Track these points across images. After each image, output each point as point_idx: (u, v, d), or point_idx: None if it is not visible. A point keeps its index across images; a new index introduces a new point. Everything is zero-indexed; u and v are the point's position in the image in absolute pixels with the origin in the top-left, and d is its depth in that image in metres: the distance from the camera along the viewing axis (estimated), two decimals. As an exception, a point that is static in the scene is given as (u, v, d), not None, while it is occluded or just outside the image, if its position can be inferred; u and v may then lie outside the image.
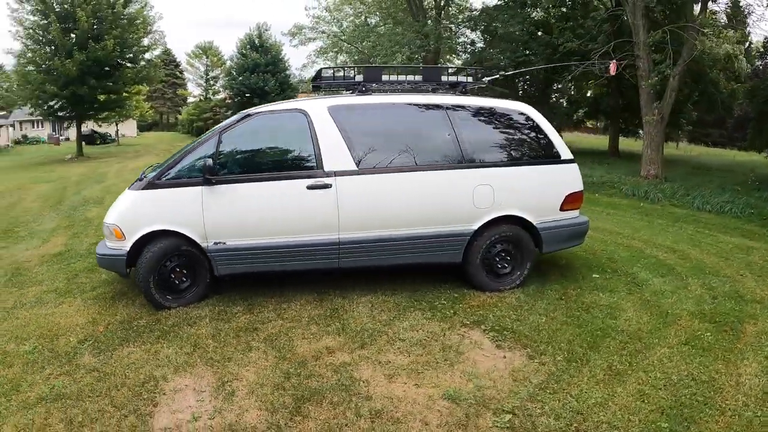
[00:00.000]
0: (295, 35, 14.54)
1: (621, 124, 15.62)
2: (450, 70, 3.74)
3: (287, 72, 25.32)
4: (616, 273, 3.90)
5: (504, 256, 3.49)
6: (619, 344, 2.59)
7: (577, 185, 3.61)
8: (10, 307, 3.12)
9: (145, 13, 18.87)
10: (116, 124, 28.70)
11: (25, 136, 33.32)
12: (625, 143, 18.69)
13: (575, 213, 3.67)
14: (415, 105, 3.42)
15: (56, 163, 15.69)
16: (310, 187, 3.15)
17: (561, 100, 17.27)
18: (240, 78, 26.59)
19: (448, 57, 16.01)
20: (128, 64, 18.28)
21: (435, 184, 3.28)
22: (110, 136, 30.68)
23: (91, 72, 16.54)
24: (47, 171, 12.88)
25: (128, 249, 3.08)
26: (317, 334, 2.74)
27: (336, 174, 3.17)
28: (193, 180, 3.08)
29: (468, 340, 2.68)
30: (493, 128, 3.54)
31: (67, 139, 34.38)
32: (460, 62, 16.35)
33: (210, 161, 3.05)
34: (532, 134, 3.55)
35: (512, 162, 3.44)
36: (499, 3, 13.36)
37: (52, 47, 16.20)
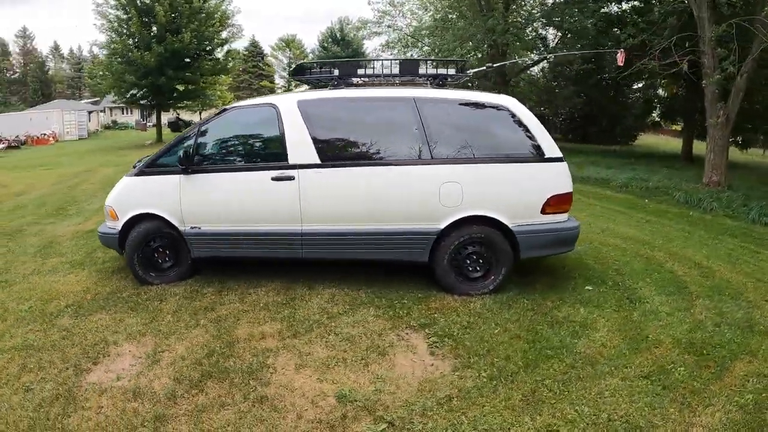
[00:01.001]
0: (360, 30, 15.07)
1: (697, 127, 14.02)
2: (430, 63, 3.74)
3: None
4: (615, 287, 3.59)
5: (476, 259, 3.41)
6: (564, 367, 2.42)
7: (563, 186, 3.38)
8: (28, 273, 3.84)
9: (223, 7, 20.95)
10: (199, 113, 32.59)
11: (114, 122, 38.68)
12: (701, 147, 17.04)
13: (562, 217, 3.43)
14: (383, 99, 3.46)
15: (135, 149, 17.94)
16: (274, 179, 3.40)
17: (639, 100, 15.83)
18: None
19: (519, 53, 15.55)
20: (206, 56, 20.50)
21: (398, 180, 3.30)
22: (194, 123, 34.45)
23: (169, 63, 18.77)
24: (122, 155, 14.99)
25: (120, 228, 3.67)
26: (263, 319, 2.98)
27: (300, 167, 3.37)
28: (174, 169, 3.50)
29: (403, 343, 2.70)
30: (467, 123, 3.44)
31: (154, 125, 39.72)
32: (534, 57, 15.80)
33: (187, 151, 3.50)
34: (513, 130, 3.37)
35: (485, 159, 3.31)
36: None
37: (134, 39, 18.76)
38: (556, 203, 3.36)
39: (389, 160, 3.35)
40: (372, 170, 3.34)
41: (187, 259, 3.66)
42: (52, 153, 17.19)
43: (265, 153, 3.56)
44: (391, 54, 19.57)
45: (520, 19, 13.99)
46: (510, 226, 3.32)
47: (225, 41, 21.25)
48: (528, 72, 16.87)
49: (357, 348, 2.62)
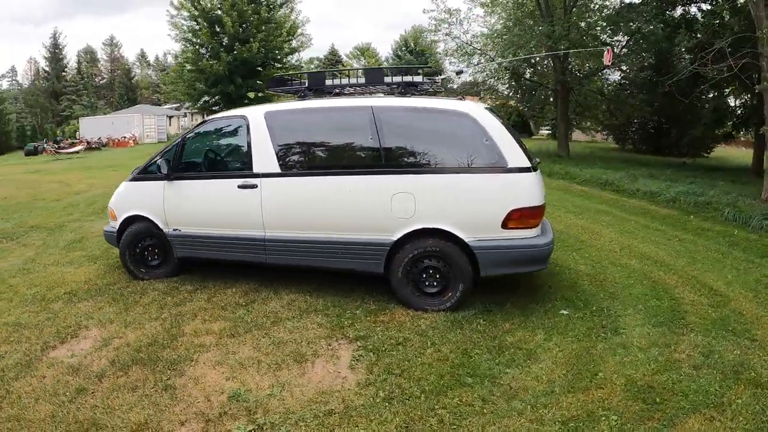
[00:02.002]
0: (416, 38, 15.56)
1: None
2: (394, 71, 3.90)
3: (441, 75, 27.16)
4: (597, 312, 3.39)
5: (432, 274, 3.44)
6: (472, 398, 2.35)
7: (528, 199, 3.27)
8: (49, 263, 4.65)
9: (293, 17, 22.79)
10: None
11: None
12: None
13: (528, 233, 3.31)
14: (343, 108, 3.67)
15: None
16: (240, 186, 3.79)
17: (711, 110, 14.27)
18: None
19: (578, 59, 15.05)
20: (274, 65, 22.44)
21: (351, 190, 3.47)
22: None
23: (239, 72, 20.83)
24: None
25: (117, 228, 4.36)
26: (215, 318, 3.33)
27: (262, 175, 3.73)
28: (160, 175, 4.13)
29: (329, 352, 2.86)
30: (425, 131, 3.48)
31: None
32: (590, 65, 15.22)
33: (169, 159, 4.07)
34: (473, 138, 3.34)
35: (440, 169, 3.34)
36: (634, 1, 12.36)
37: (207, 49, 21.04)
38: (519, 217, 3.26)
39: (344, 170, 3.53)
40: (327, 179, 3.56)
41: (173, 258, 4.25)
42: (127, 155, 19.81)
43: (235, 162, 3.98)
44: (450, 62, 19.81)
45: (581, 24, 13.49)
46: (467, 241, 3.30)
47: (293, 50, 23.03)
48: (600, 80, 16.15)
49: (280, 352, 2.82)
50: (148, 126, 30.10)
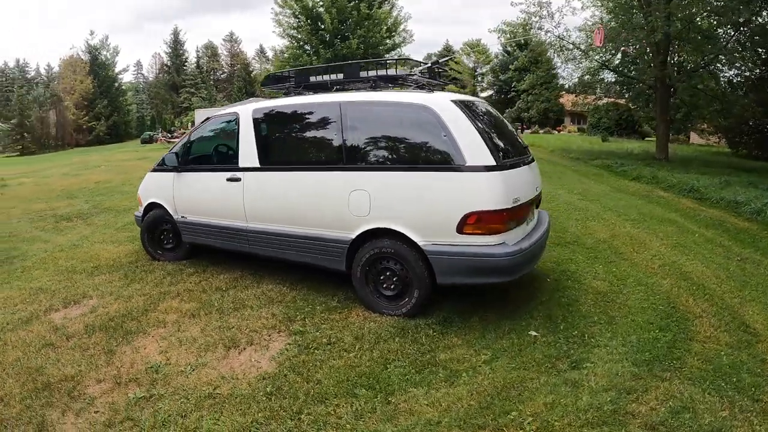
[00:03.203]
0: (505, 32, 15.36)
1: None
2: (370, 65, 3.97)
3: (551, 71, 26.19)
4: (572, 339, 3.10)
5: (389, 276, 3.49)
6: (344, 410, 2.35)
7: (487, 202, 3.08)
8: (97, 241, 5.69)
9: (394, 14, 23.98)
10: None
11: None
12: None
13: (488, 239, 3.14)
14: (316, 105, 3.84)
15: None
16: (228, 179, 4.29)
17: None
18: (503, 76, 30.79)
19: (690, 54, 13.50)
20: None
21: (314, 185, 3.68)
22: None
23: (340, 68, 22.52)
24: None
25: (142, 213, 5.20)
26: (191, 299, 3.80)
27: (245, 169, 4.16)
28: (171, 168, 4.83)
29: (264, 342, 3.10)
30: (385, 126, 3.50)
31: None
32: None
33: (178, 153, 4.74)
34: (434, 133, 3.27)
35: (395, 167, 3.36)
36: None
37: (311, 45, 23.02)
38: (477, 222, 3.12)
39: (311, 165, 3.76)
40: (296, 174, 3.81)
41: (184, 242, 4.95)
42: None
43: (226, 156, 4.47)
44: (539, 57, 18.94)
45: (681, 14, 11.83)
46: (420, 244, 3.26)
47: (394, 46, 24.07)
48: (708, 77, 14.13)
49: (219, 336, 3.15)
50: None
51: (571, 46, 14.88)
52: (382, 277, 3.54)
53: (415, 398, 2.45)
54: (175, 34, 54.87)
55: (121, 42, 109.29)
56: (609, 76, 16.05)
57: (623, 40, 12.69)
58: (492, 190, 3.11)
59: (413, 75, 3.84)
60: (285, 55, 24.98)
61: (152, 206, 4.97)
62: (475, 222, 3.13)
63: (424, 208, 3.28)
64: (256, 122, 4.14)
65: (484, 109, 3.86)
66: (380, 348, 3.00)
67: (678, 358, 2.90)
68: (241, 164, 4.15)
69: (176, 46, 55.10)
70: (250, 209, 4.12)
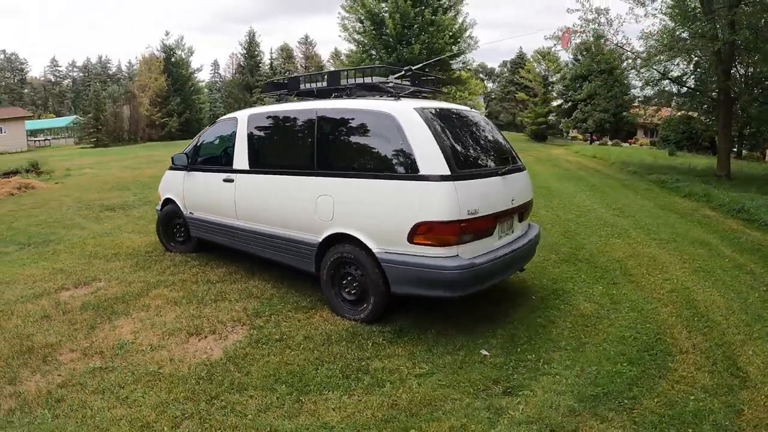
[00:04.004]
0: (561, 40, 15.15)
1: None
2: (350, 73, 4.19)
3: (625, 81, 25.42)
4: (523, 364, 3.07)
5: (350, 282, 3.70)
6: (247, 405, 2.54)
7: (438, 213, 3.16)
8: (127, 231, 6.46)
9: (459, 20, 24.40)
10: None
11: None
12: None
13: (438, 251, 3.22)
14: (297, 111, 4.16)
15: None
16: (224, 180, 4.80)
17: None
18: (573, 84, 30.71)
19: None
20: (437, 67, 24.13)
21: (289, 189, 4.01)
22: None
23: None
24: None
25: (160, 207, 5.91)
26: (182, 288, 4.28)
27: (237, 171, 4.62)
28: (182, 167, 5.46)
29: (224, 333, 3.44)
30: (352, 133, 3.73)
31: None
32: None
33: (188, 153, 5.34)
34: (393, 141, 3.42)
35: (356, 173, 3.55)
36: None
37: (375, 50, 23.98)
38: (426, 232, 3.21)
39: (288, 170, 4.07)
40: (276, 178, 4.16)
41: (193, 236, 5.57)
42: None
43: (225, 157, 4.96)
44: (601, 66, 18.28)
45: (747, 22, 10.85)
46: (375, 251, 3.43)
47: (458, 53, 24.42)
48: None
49: (188, 324, 3.55)
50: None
51: (631, 55, 14.30)
52: (344, 282, 3.76)
53: (325, 401, 2.64)
54: (250, 35, 58.82)
55: (202, 42, 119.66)
56: (672, 87, 15.27)
57: (680, 49, 12.15)
58: (443, 201, 3.17)
59: (389, 83, 4.05)
60: (351, 59, 26.09)
61: (168, 201, 5.63)
62: (425, 232, 3.23)
63: (380, 216, 3.44)
64: (249, 127, 4.59)
65: (461, 118, 3.96)
66: (323, 350, 3.23)
67: (634, 397, 2.75)
68: (234, 166, 4.62)
69: (251, 47, 59.24)
70: (239, 208, 4.57)
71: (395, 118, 3.46)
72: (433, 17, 22.65)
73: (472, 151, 3.68)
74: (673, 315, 3.88)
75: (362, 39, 24.33)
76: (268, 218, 4.27)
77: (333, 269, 3.81)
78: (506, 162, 3.96)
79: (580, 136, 42.47)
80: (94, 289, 4.37)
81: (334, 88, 4.27)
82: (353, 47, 25.39)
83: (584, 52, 28.29)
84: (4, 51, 68.74)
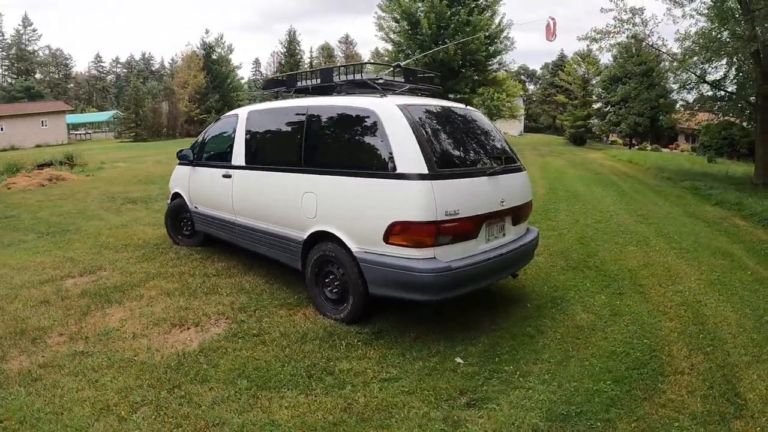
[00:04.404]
0: (597, 40, 14.81)
1: None
2: (343, 69, 4.23)
3: (663, 84, 24.63)
4: (496, 376, 2.98)
5: (332, 280, 3.75)
6: (202, 397, 2.64)
7: (414, 213, 3.13)
8: (143, 224, 6.78)
9: (496, 21, 24.32)
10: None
11: None
12: None
13: (412, 252, 3.19)
14: (289, 108, 4.26)
15: None
16: (223, 176, 4.98)
17: None
18: (609, 86, 30.31)
19: None
20: (471, 68, 23.99)
21: (278, 185, 4.11)
22: None
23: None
24: None
25: (170, 202, 6.19)
26: (179, 280, 4.47)
27: (235, 167, 4.79)
28: (188, 162, 5.69)
29: (206, 326, 3.58)
30: (336, 130, 3.79)
31: None
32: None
33: (193, 149, 5.56)
34: (373, 138, 3.44)
35: (338, 170, 3.59)
36: None
37: (411, 49, 24.21)
38: (401, 233, 3.20)
39: (279, 166, 4.17)
40: (268, 174, 4.27)
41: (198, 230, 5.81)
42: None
43: (226, 153, 5.14)
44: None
45: None
46: (354, 250, 3.45)
47: (494, 53, 24.34)
48: None
49: (174, 315, 3.71)
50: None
51: (667, 56, 13.80)
52: (327, 281, 3.80)
53: (281, 398, 2.69)
54: (290, 33, 60.43)
55: (248, 41, 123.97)
56: (709, 91, 14.59)
57: (716, 51, 11.77)
58: (418, 200, 3.14)
59: (379, 79, 4.07)
60: (386, 59, 26.38)
61: (176, 196, 5.90)
62: (400, 232, 3.21)
63: (358, 214, 3.46)
64: (248, 123, 4.74)
65: (454, 117, 3.92)
66: (295, 347, 3.28)
67: (609, 420, 2.62)
68: (233, 162, 4.79)
69: (291, 45, 60.83)
70: (236, 204, 4.73)
71: (377, 114, 3.47)
72: (469, 17, 22.58)
73: (457, 150, 3.64)
74: (677, 331, 3.68)
75: (398, 38, 24.55)
76: (262, 214, 4.40)
77: (317, 267, 3.86)
78: (498, 162, 3.90)
79: (620, 141, 41.46)
80: (96, 277, 4.64)
81: (327, 85, 4.33)
82: (389, 47, 25.67)
83: (622, 54, 27.54)
84: (48, 46, 73.04)
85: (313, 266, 3.88)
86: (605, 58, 38.32)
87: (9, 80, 63.26)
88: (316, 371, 3.01)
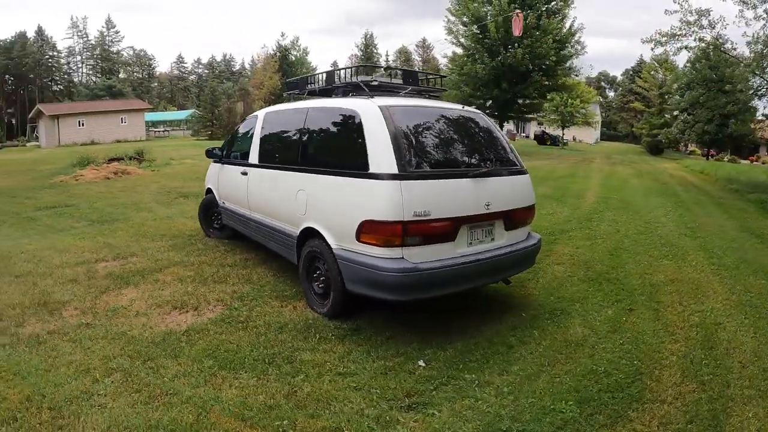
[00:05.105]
0: (662, 44, 13.88)
1: None
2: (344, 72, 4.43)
3: (741, 89, 22.84)
4: (457, 384, 3.01)
5: (319, 275, 3.96)
6: (160, 381, 2.88)
7: (380, 212, 3.25)
8: (186, 217, 7.44)
9: (567, 25, 23.86)
10: (562, 128, 39.30)
11: None
12: None
13: (383, 252, 3.30)
14: (294, 110, 4.56)
15: None
16: (241, 173, 5.42)
17: None
18: (687, 94, 29.21)
19: None
20: (539, 72, 23.64)
21: (279, 182, 4.42)
22: (561, 138, 40.48)
23: (505, 77, 23.57)
24: None
25: (205, 196, 6.80)
26: (195, 270, 4.91)
27: (250, 165, 5.21)
28: (218, 159, 6.22)
29: (203, 311, 3.94)
30: (324, 130, 4.03)
31: (527, 136, 48.54)
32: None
33: (222, 147, 6.09)
34: (354, 138, 3.61)
35: (325, 169, 3.81)
36: None
37: (480, 54, 24.34)
38: (370, 231, 3.33)
39: (281, 165, 4.49)
40: (272, 172, 4.61)
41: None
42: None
43: (246, 152, 5.60)
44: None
45: None
46: (333, 247, 3.63)
47: (564, 58, 23.82)
48: None
49: (178, 299, 4.12)
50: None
51: (736, 60, 12.67)
52: (314, 275, 4.02)
53: (234, 379, 2.94)
54: (366, 37, 62.49)
55: (328, 43, 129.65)
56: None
57: None
58: (386, 200, 3.24)
59: (374, 81, 4.24)
60: (455, 63, 26.73)
61: (209, 191, 6.49)
62: (369, 231, 3.34)
63: (337, 212, 3.66)
64: (263, 123, 5.14)
65: (445, 118, 3.98)
66: (271, 336, 3.53)
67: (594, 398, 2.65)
68: (249, 160, 5.21)
69: (367, 48, 62.98)
70: (250, 200, 5.15)
71: (359, 114, 3.64)
72: (538, 21, 22.15)
73: (437, 151, 3.70)
74: (678, 354, 3.43)
75: (467, 43, 24.67)
76: (269, 210, 4.75)
77: (307, 262, 4.11)
78: (489, 164, 3.91)
79: (698, 151, 38.61)
80: (126, 262, 5.27)
81: (329, 87, 4.59)
82: (459, 51, 25.85)
83: (699, 58, 25.77)
84: (132, 47, 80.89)
85: (304, 261, 4.13)
86: (681, 62, 36.14)
87: (94, 79, 70.70)
88: (278, 359, 3.23)
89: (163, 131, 49.03)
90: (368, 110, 3.61)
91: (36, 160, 20.48)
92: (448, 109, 4.11)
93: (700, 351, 3.48)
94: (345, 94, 4.30)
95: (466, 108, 4.27)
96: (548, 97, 27.84)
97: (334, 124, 3.96)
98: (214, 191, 6.21)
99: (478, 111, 4.37)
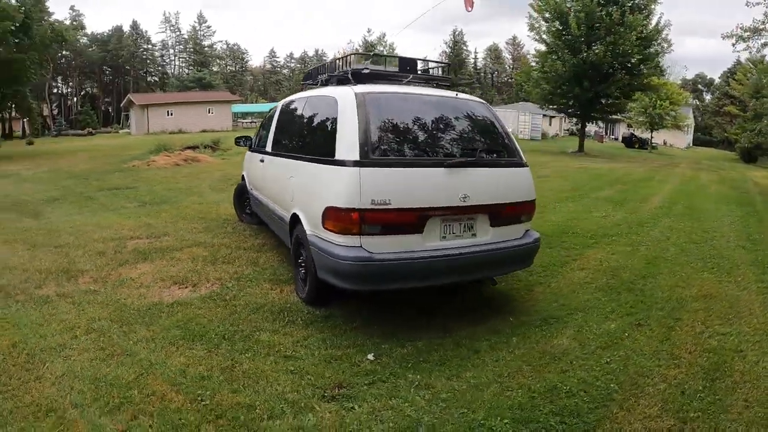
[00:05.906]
0: (745, 39, 12.20)
1: None
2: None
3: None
4: (400, 383, 3.05)
5: (303, 261, 4.09)
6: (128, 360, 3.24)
7: (342, 199, 3.30)
8: (226, 203, 8.10)
9: (653, 21, 22.25)
10: (650, 131, 37.93)
11: (573, 130, 47.54)
12: None
13: (341, 239, 3.35)
14: (300, 99, 4.77)
15: (557, 155, 23.24)
16: (260, 161, 5.78)
17: None
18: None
19: None
20: (622, 71, 22.59)
21: (279, 169, 4.67)
22: (650, 142, 38.70)
23: (586, 75, 22.73)
24: (540, 160, 18.27)
25: (240, 182, 7.33)
26: (213, 251, 5.33)
27: (266, 153, 5.55)
28: (248, 147, 6.67)
29: (199, 287, 4.29)
30: (312, 118, 4.21)
31: (616, 138, 46.43)
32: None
33: (251, 137, 6.53)
34: (330, 125, 3.73)
35: (307, 156, 4.00)
36: None
37: (562, 51, 23.54)
38: (333, 219, 3.39)
39: (284, 153, 4.73)
40: (276, 159, 4.88)
41: (255, 210, 6.81)
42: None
43: (265, 141, 5.93)
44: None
45: None
46: (307, 233, 3.74)
47: (647, 57, 22.29)
48: None
49: (182, 275, 4.51)
50: (523, 122, 37.03)
51: None
52: (299, 260, 4.20)
53: (188, 350, 3.21)
54: (455, 34, 62.19)
55: (420, 40, 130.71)
56: None
57: None
58: (345, 186, 3.29)
59: (367, 70, 4.30)
60: (536, 59, 26.47)
61: (243, 178, 7.02)
62: (330, 218, 3.41)
63: (308, 198, 3.82)
64: (280, 113, 5.47)
65: (434, 105, 3.92)
66: (243, 314, 3.78)
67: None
68: (266, 148, 5.58)
69: (455, 46, 62.69)
70: (265, 186, 5.52)
71: (336, 101, 3.75)
72: (622, 17, 20.76)
73: (413, 139, 3.68)
74: (671, 382, 3.01)
75: (549, 39, 23.91)
76: (272, 196, 5.06)
77: (295, 248, 4.32)
78: (475, 155, 3.80)
79: None
80: (155, 240, 5.89)
81: (330, 76, 4.77)
82: (542, 47, 25.17)
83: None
84: (226, 41, 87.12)
85: (293, 246, 4.35)
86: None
87: (186, 71, 76.91)
88: (237, 336, 3.44)
89: (251, 122, 52.27)
90: (343, 96, 3.71)
91: (122, 145, 23.04)
92: (440, 97, 4.06)
93: (701, 381, 3.08)
94: (340, 83, 4.43)
95: (463, 96, 4.17)
96: (633, 97, 26.15)
97: (320, 112, 4.13)
98: (246, 178, 6.70)
99: (478, 99, 4.25)
